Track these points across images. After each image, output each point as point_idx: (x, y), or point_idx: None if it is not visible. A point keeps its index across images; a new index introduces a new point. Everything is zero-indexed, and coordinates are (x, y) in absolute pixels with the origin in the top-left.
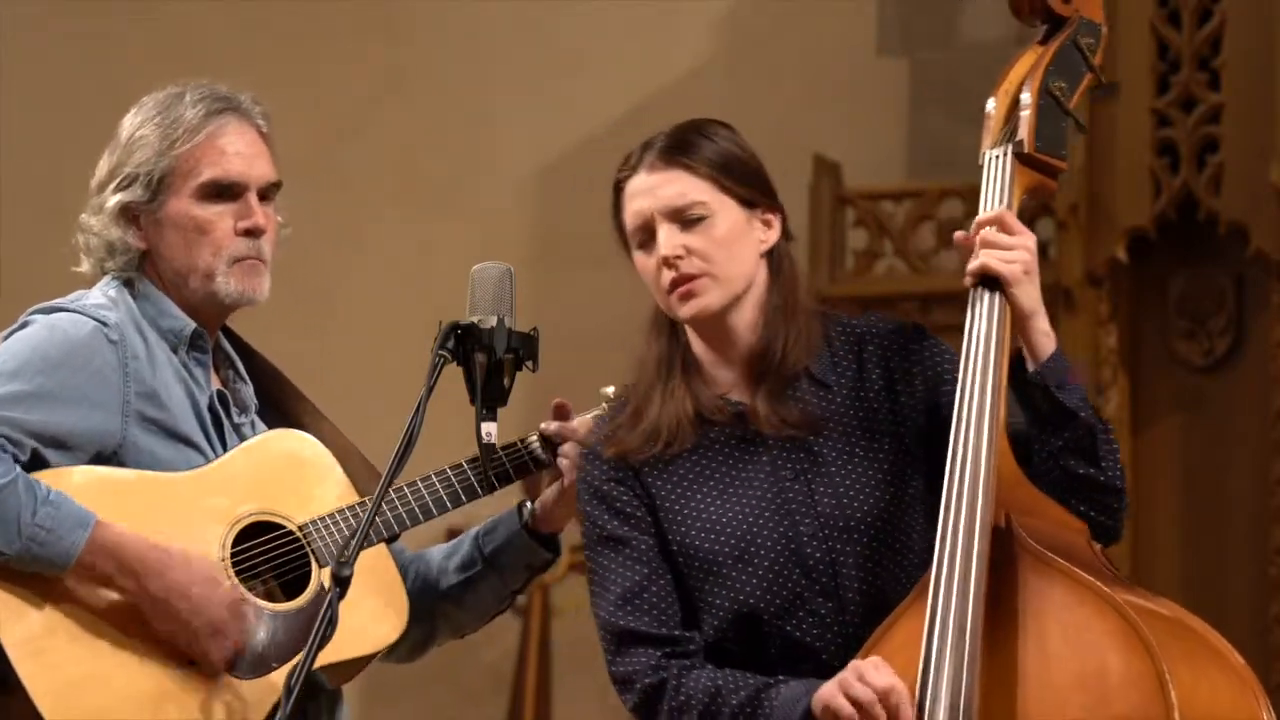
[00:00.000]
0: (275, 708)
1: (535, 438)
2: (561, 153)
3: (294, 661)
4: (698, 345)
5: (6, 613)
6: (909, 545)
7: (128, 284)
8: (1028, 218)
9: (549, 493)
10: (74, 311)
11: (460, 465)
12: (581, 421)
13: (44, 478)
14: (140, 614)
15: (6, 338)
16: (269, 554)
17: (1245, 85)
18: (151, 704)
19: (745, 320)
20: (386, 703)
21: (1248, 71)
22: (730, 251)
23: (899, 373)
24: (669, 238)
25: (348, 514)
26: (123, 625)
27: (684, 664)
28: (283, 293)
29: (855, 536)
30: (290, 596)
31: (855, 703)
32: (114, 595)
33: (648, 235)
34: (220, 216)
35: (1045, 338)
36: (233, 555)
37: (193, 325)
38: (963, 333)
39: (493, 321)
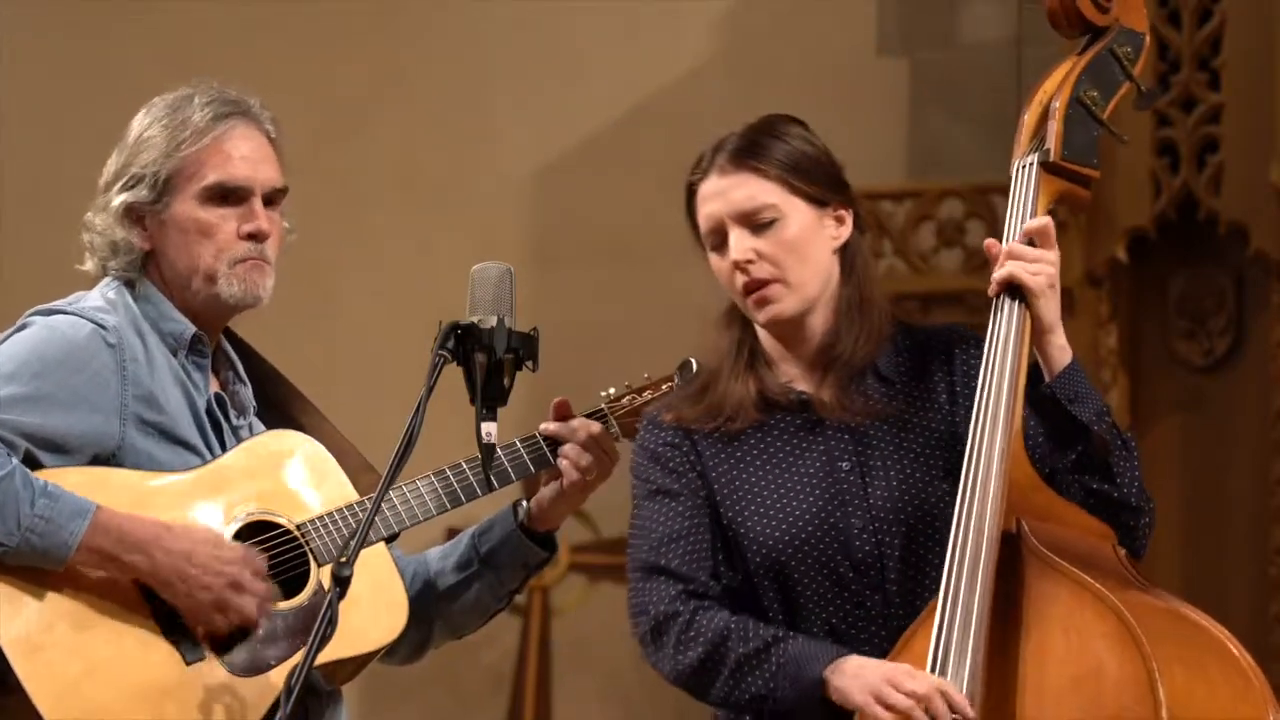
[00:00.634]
0: (274, 706)
1: (535, 438)
2: (561, 153)
3: (293, 660)
4: (767, 340)
5: (2, 611)
6: None
7: (129, 285)
8: None
9: (546, 491)
10: (72, 314)
11: (460, 465)
12: (582, 422)
13: (42, 476)
14: (141, 607)
15: (5, 340)
16: (267, 553)
17: (1245, 85)
18: (151, 702)
19: (818, 321)
20: (387, 704)
21: (1248, 71)
22: (801, 254)
23: (959, 377)
24: (739, 242)
25: (346, 514)
26: (122, 620)
27: (702, 604)
28: (282, 293)
29: (903, 530)
30: (288, 596)
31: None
32: (116, 583)
33: (720, 238)
34: (224, 219)
35: (1061, 351)
36: None
37: (193, 329)
38: None
39: (493, 321)
